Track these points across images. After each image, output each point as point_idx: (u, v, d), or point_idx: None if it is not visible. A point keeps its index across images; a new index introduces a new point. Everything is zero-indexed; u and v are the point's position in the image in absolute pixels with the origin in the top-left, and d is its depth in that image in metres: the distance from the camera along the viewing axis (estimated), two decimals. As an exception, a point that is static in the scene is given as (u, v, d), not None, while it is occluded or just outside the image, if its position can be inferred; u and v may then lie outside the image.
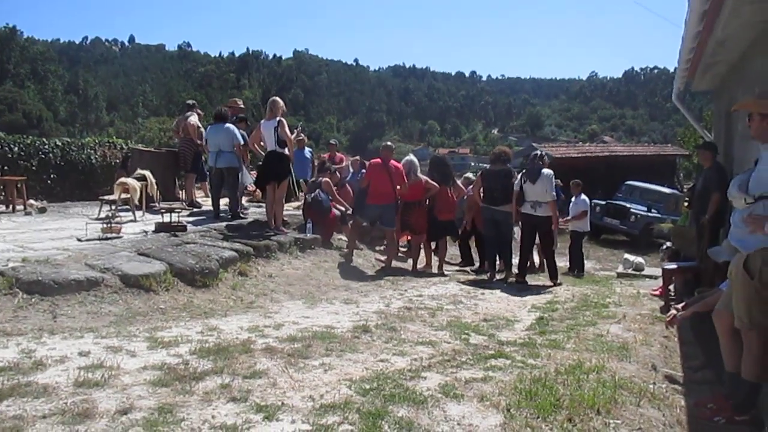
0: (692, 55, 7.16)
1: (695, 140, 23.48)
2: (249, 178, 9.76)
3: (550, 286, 8.61)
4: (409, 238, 9.82)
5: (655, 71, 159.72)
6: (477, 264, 10.45)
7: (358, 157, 13.76)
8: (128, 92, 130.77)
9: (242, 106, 11.54)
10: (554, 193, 8.74)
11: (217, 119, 9.45)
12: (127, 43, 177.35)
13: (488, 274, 8.98)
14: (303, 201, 10.05)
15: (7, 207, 10.01)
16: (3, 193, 10.31)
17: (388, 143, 9.91)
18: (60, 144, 13.30)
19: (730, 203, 3.82)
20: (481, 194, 9.05)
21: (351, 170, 12.43)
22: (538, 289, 8.27)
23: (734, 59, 7.03)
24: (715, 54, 6.91)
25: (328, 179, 9.82)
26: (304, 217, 9.48)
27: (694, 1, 5.24)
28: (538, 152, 9.04)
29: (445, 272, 9.29)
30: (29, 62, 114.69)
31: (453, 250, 11.64)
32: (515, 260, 9.20)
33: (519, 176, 8.78)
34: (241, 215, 9.36)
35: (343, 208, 9.89)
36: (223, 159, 9.11)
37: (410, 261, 9.61)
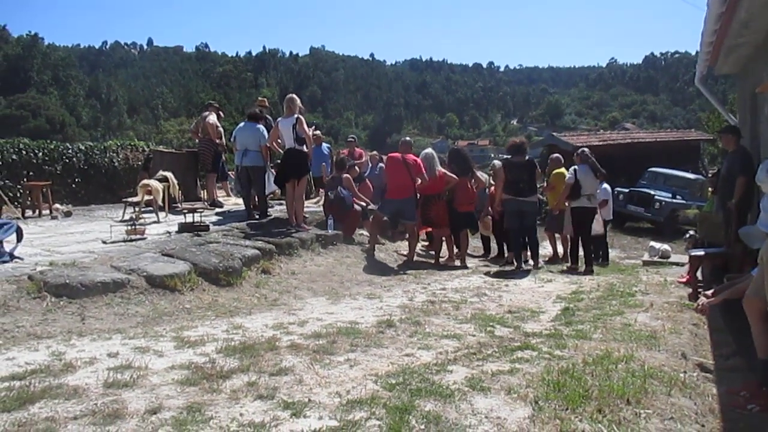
0: (715, 38, 7.03)
1: (719, 124, 23.01)
2: (272, 182, 9.76)
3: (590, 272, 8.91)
4: (429, 230, 9.77)
5: (676, 56, 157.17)
6: (495, 253, 10.42)
7: (375, 152, 13.74)
8: (148, 95, 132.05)
9: (268, 105, 11.61)
10: None
11: (251, 119, 9.51)
12: (145, 46, 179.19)
13: (515, 265, 8.94)
14: (324, 197, 10.07)
15: (34, 212, 10.18)
16: (29, 198, 10.47)
17: (407, 138, 9.90)
18: (83, 148, 13.46)
19: (758, 187, 3.73)
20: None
21: (369, 165, 12.42)
22: (572, 278, 8.30)
23: (759, 40, 6.88)
24: (738, 35, 6.77)
25: (348, 175, 9.83)
26: (325, 214, 9.50)
27: (716, -19, 5.14)
28: (585, 149, 9.52)
29: (468, 264, 9.24)
30: (51, 69, 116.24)
31: (475, 242, 11.60)
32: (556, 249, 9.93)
33: (575, 170, 9.08)
34: (267, 214, 9.41)
35: (364, 203, 9.90)
36: (248, 158, 9.18)
37: (432, 254, 9.59)
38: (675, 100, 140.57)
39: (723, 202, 7.14)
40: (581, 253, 9.25)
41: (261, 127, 9.39)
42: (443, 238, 9.40)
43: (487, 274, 8.54)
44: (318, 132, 13.04)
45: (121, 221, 9.11)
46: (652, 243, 11.28)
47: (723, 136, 7.79)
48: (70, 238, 7.79)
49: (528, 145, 10.52)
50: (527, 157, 9.27)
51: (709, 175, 16.98)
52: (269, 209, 9.63)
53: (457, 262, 9.23)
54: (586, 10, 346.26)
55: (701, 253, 7.12)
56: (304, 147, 8.53)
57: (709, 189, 9.26)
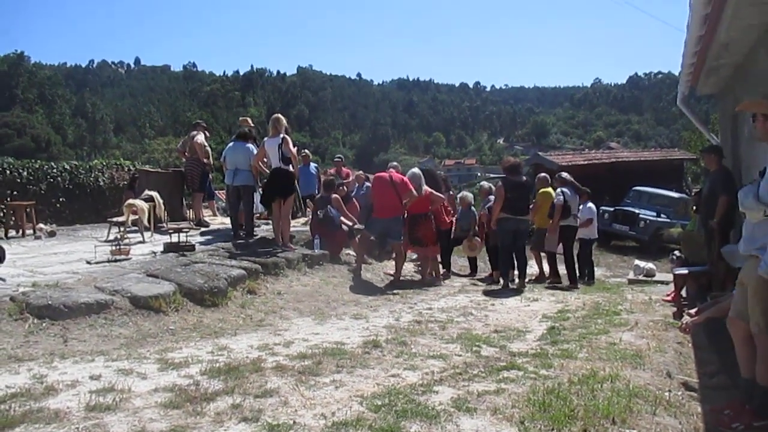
0: (695, 59, 7.16)
1: (702, 144, 23.36)
2: (259, 202, 9.79)
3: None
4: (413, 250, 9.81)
5: (659, 76, 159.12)
6: (485, 274, 10.48)
7: (361, 172, 13.79)
8: (135, 113, 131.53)
9: (252, 125, 11.61)
10: None
11: (240, 138, 9.52)
12: (132, 65, 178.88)
13: (502, 284, 8.97)
14: (311, 217, 10.06)
15: (17, 231, 10.08)
16: (13, 218, 10.38)
17: (394, 163, 9.96)
18: (68, 167, 13.37)
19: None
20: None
21: (356, 184, 12.45)
22: (558, 297, 8.33)
23: (738, 61, 7.02)
24: (718, 57, 6.90)
25: (337, 196, 9.86)
26: (311, 233, 9.49)
27: (696, 4, 5.25)
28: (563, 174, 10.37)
29: (455, 283, 9.28)
30: (37, 87, 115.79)
31: (462, 262, 11.64)
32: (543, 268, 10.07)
33: (563, 192, 9.69)
34: (253, 234, 9.39)
35: (350, 223, 9.90)
36: (240, 177, 9.18)
37: (419, 274, 9.61)
38: (659, 119, 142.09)
39: (705, 221, 7.23)
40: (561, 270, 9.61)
41: (251, 146, 9.41)
42: (430, 258, 9.44)
43: (473, 293, 8.54)
44: (306, 151, 13.08)
45: (105, 241, 9.05)
46: (637, 261, 11.36)
47: (705, 155, 7.90)
48: (53, 258, 7.72)
49: (523, 164, 10.73)
50: (524, 178, 9.43)
51: (693, 194, 17.18)
52: (256, 229, 9.60)
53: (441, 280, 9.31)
54: (571, 31, 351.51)
55: (685, 271, 7.19)
56: (290, 167, 8.54)
57: (693, 208, 9.37)
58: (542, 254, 10.45)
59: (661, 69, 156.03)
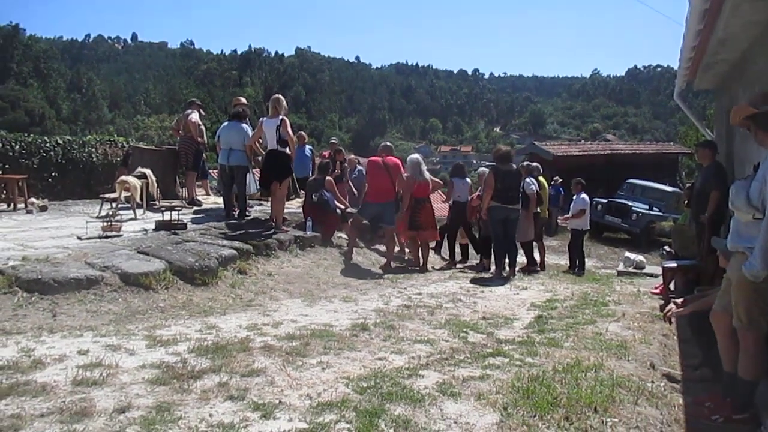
0: (693, 54, 7.14)
1: (698, 138, 23.39)
2: (254, 184, 9.74)
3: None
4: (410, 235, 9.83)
5: (659, 69, 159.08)
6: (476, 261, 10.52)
7: (353, 156, 13.78)
8: (131, 90, 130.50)
9: (246, 103, 11.52)
10: None
11: (234, 118, 9.48)
12: (129, 41, 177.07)
13: (493, 272, 9.02)
14: (304, 199, 10.06)
15: (9, 205, 10.03)
16: (4, 192, 10.31)
17: (387, 143, 9.90)
18: (61, 142, 13.27)
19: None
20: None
21: (348, 168, 12.46)
22: (547, 286, 8.39)
23: (735, 58, 7.01)
24: (716, 53, 6.88)
25: (330, 178, 9.85)
26: (304, 215, 9.49)
27: (695, -1, 5.24)
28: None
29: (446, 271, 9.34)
30: (32, 60, 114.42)
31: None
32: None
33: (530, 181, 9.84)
34: (247, 213, 9.38)
35: (343, 206, 9.91)
36: (234, 157, 9.13)
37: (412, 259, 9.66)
38: (656, 113, 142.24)
39: (696, 216, 7.26)
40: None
41: (245, 126, 9.36)
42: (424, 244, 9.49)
43: (463, 280, 8.58)
44: (302, 132, 13.02)
45: (97, 217, 9.02)
46: (627, 254, 11.44)
47: (699, 150, 7.91)
48: (44, 233, 7.69)
49: (513, 153, 10.72)
50: (514, 166, 9.44)
51: (685, 188, 17.27)
52: (248, 209, 9.59)
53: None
54: (572, 21, 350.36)
55: (674, 265, 7.24)
56: (287, 149, 8.51)
57: (684, 202, 9.42)
58: (534, 243, 10.48)
59: (660, 62, 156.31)
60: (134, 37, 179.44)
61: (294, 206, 10.66)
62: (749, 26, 5.55)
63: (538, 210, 10.22)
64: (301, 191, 10.74)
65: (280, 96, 8.92)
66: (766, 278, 3.15)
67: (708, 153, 7.35)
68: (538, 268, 10.06)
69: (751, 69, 6.27)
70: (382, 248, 9.81)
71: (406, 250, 10.18)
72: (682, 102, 9.77)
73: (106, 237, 7.32)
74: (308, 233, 8.91)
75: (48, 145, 12.88)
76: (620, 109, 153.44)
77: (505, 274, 8.87)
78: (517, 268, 9.31)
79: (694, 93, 13.81)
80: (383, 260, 9.18)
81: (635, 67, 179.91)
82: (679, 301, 4.60)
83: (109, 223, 7.70)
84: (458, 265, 10.36)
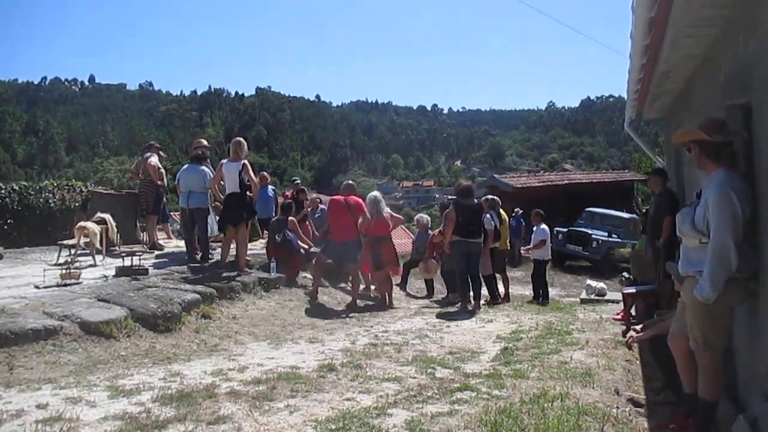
0: (640, 86, 7.41)
1: (651, 165, 24.12)
2: (216, 225, 9.68)
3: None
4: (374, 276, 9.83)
5: (611, 99, 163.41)
6: (442, 295, 10.57)
7: (315, 195, 13.82)
8: (88, 132, 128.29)
9: (207, 145, 11.48)
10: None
11: (194, 160, 9.45)
12: (87, 83, 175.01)
13: (459, 306, 9.06)
14: (267, 240, 10.01)
15: (-38, 256, 9.73)
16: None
17: (350, 182, 9.94)
18: (17, 188, 13.02)
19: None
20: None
21: (311, 207, 12.48)
22: (512, 317, 8.45)
23: (679, 88, 7.31)
24: (660, 84, 7.16)
25: (293, 218, 9.84)
26: (267, 256, 9.44)
27: (636, 35, 5.46)
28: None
29: (411, 306, 9.35)
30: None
31: (419, 284, 11.72)
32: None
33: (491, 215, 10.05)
34: (208, 257, 9.29)
35: (307, 246, 9.89)
36: (194, 199, 9.09)
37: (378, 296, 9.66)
38: (611, 141, 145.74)
39: (652, 241, 7.47)
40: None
41: (205, 168, 9.34)
42: (387, 280, 9.51)
43: (429, 315, 8.61)
44: (264, 173, 13.02)
45: (55, 265, 8.81)
46: (589, 281, 11.65)
47: (651, 177, 8.20)
48: (0, 282, 7.48)
49: (475, 187, 10.90)
50: (475, 200, 9.58)
51: (641, 215, 17.72)
52: (211, 252, 9.50)
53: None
54: (526, 55, 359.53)
55: (633, 290, 7.41)
56: (248, 192, 8.53)
57: (640, 228, 9.69)
58: (497, 275, 10.59)
59: (612, 93, 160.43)
60: (92, 79, 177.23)
61: (257, 247, 10.60)
62: (689, 58, 5.81)
63: (497, 245, 10.33)
64: (265, 232, 10.68)
65: (242, 139, 8.93)
66: (718, 300, 3.27)
67: (659, 180, 7.63)
68: (499, 301, 10.15)
69: (695, 98, 6.54)
70: (348, 286, 9.78)
71: (372, 287, 10.16)
72: (634, 131, 10.10)
73: (65, 285, 7.15)
74: (272, 274, 8.85)
75: (3, 191, 12.63)
76: (576, 139, 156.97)
77: (470, 308, 8.93)
78: (482, 301, 9.39)
79: (646, 122, 14.28)
80: (349, 299, 9.14)
81: (588, 98, 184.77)
82: (638, 327, 4.71)
83: (67, 271, 7.54)
84: (422, 300, 10.40)
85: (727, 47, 4.14)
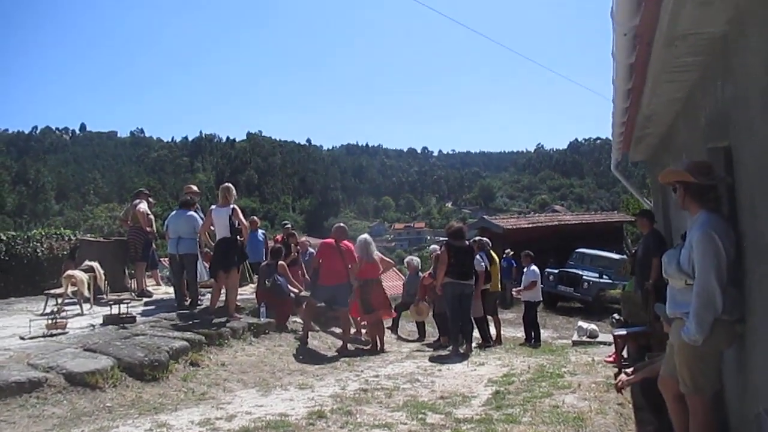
0: (624, 129, 7.55)
1: (639, 206, 24.37)
2: (206, 271, 9.65)
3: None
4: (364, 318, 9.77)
5: (598, 141, 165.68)
6: (434, 338, 10.50)
7: (305, 239, 13.84)
8: (79, 180, 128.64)
9: (197, 191, 11.50)
10: None
11: (182, 206, 9.49)
12: (78, 131, 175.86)
13: (450, 349, 8.99)
14: (257, 285, 9.97)
15: (-53, 306, 9.61)
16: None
17: (341, 225, 9.95)
18: (5, 238, 12.94)
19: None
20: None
21: (301, 251, 12.48)
22: (504, 361, 8.38)
23: (662, 131, 7.43)
24: (644, 127, 7.29)
25: (283, 262, 9.83)
26: (257, 301, 9.39)
27: (618, 80, 5.60)
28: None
29: (403, 349, 9.26)
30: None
31: (411, 327, 11.65)
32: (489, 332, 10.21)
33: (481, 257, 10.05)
34: (198, 303, 9.24)
35: (297, 290, 9.86)
36: (183, 245, 9.09)
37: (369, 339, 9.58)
38: (599, 183, 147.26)
39: (641, 283, 7.49)
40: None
41: (193, 214, 9.37)
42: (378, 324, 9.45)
43: (421, 359, 8.53)
44: (254, 217, 13.05)
45: (42, 314, 8.69)
46: (580, 323, 11.61)
47: (638, 219, 8.27)
48: (-16, 334, 7.38)
49: (466, 229, 10.94)
50: (467, 242, 9.61)
51: (629, 256, 17.80)
52: (201, 298, 9.44)
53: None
54: (514, 98, 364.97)
55: (624, 332, 7.38)
56: (238, 237, 8.55)
57: (630, 269, 9.73)
58: (489, 318, 10.56)
59: (599, 135, 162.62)
60: (83, 127, 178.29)
61: (248, 292, 10.54)
62: (671, 103, 5.93)
63: (488, 287, 10.33)
64: (255, 276, 10.63)
65: (230, 185, 9.02)
66: (705, 342, 3.27)
67: (646, 222, 7.70)
68: (491, 344, 10.11)
69: (678, 141, 6.66)
70: (339, 330, 9.70)
71: (363, 331, 10.09)
72: (620, 174, 10.25)
73: (51, 335, 7.06)
74: (262, 319, 8.79)
75: (-10, 242, 12.53)
76: (566, 181, 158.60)
77: (462, 350, 8.86)
78: (474, 344, 9.33)
79: (633, 163, 14.49)
80: (339, 343, 9.07)
81: (576, 140, 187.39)
82: (629, 370, 4.69)
83: (53, 321, 7.45)
84: (414, 344, 10.32)
85: (706, 92, 4.23)
